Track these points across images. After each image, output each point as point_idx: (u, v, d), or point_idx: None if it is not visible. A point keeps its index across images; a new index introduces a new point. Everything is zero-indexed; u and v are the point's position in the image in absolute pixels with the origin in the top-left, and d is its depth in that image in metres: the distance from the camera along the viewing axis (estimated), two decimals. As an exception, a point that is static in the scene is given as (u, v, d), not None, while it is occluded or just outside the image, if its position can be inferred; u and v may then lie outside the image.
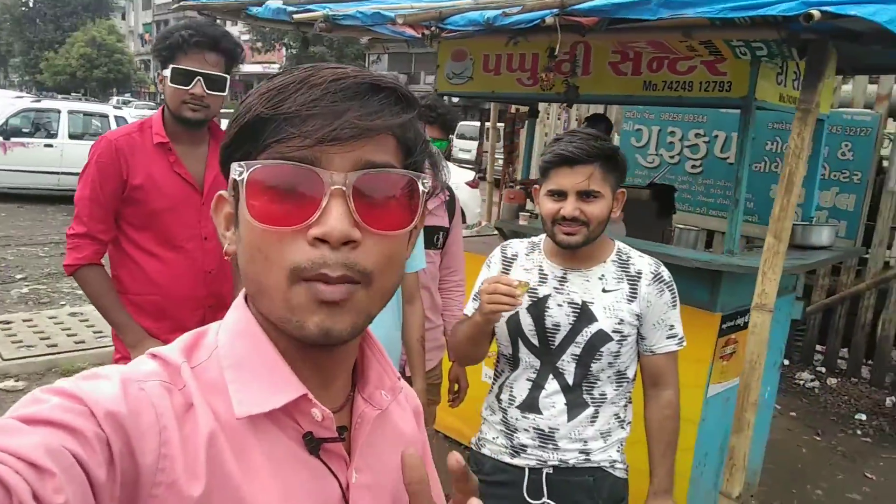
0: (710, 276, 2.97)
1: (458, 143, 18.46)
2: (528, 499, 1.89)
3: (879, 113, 5.49)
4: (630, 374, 1.93)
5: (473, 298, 2.01)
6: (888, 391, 5.54)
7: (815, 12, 2.06)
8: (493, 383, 2.04)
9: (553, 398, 1.87)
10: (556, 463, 1.87)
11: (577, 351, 1.85)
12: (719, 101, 3.15)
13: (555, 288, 1.89)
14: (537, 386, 1.89)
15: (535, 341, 1.90)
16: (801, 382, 5.65)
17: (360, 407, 0.77)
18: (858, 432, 4.86)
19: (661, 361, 1.90)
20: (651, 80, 3.28)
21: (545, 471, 1.88)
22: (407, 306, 2.32)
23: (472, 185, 9.93)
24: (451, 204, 2.83)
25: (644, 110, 6.29)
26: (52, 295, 6.40)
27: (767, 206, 3.81)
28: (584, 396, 1.87)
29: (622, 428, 1.93)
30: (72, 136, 11.89)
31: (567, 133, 1.90)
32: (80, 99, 18.52)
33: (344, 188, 0.64)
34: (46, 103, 12.69)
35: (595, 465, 1.87)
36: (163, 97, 2.25)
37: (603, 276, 1.88)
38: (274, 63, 38.22)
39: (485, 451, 2.00)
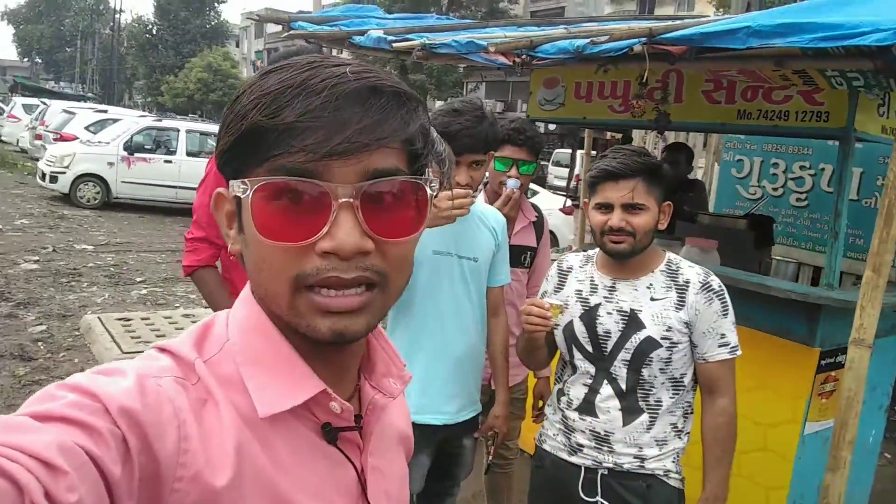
0: (809, 310, 2.90)
1: (553, 170, 18.47)
2: (582, 496, 1.98)
3: None
4: (687, 382, 1.97)
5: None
6: None
7: (910, 42, 2.04)
8: (555, 385, 2.16)
9: (608, 402, 1.96)
10: (611, 465, 1.94)
11: (628, 357, 1.93)
12: (816, 131, 3.10)
13: (605, 297, 1.99)
14: (593, 390, 1.99)
15: (588, 348, 2.00)
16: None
17: (369, 394, 0.78)
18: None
19: (714, 369, 1.95)
20: (745, 108, 3.27)
21: (600, 471, 1.96)
22: (492, 319, 2.39)
23: (566, 211, 9.94)
24: (538, 224, 2.92)
25: (746, 140, 6.16)
26: (167, 297, 6.90)
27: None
28: (640, 403, 1.94)
29: (679, 438, 1.97)
30: (189, 154, 12.77)
31: (612, 150, 2.00)
32: (196, 120, 19.76)
33: (352, 200, 0.64)
34: (167, 123, 13.69)
35: (649, 472, 1.93)
36: None
37: (651, 285, 1.96)
38: None
39: (545, 446, 2.11)
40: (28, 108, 19.88)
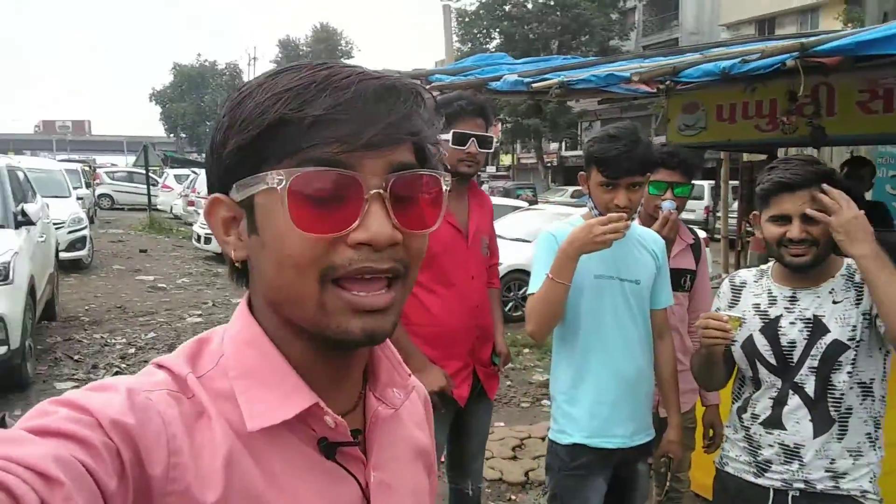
0: None
1: (689, 203, 17.92)
2: None
3: None
4: (876, 390, 1.90)
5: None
6: None
7: None
8: (734, 402, 2.10)
9: (797, 413, 1.90)
10: (802, 486, 1.88)
11: (815, 364, 1.88)
12: None
13: (785, 308, 1.95)
14: (779, 402, 1.93)
15: (772, 361, 1.95)
16: None
17: (372, 406, 0.76)
18: None
19: None
20: (906, 116, 3.15)
21: (791, 493, 1.89)
22: (657, 341, 2.38)
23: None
24: (696, 247, 2.91)
25: (896, 151, 5.83)
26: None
27: None
28: (830, 412, 1.87)
29: (874, 450, 1.89)
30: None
31: (781, 161, 1.97)
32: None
33: (382, 192, 0.64)
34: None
35: (844, 493, 1.85)
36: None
37: (833, 289, 1.91)
38: (492, 138, 40.08)
39: (728, 469, 2.05)
40: (179, 178, 21.80)
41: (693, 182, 2.79)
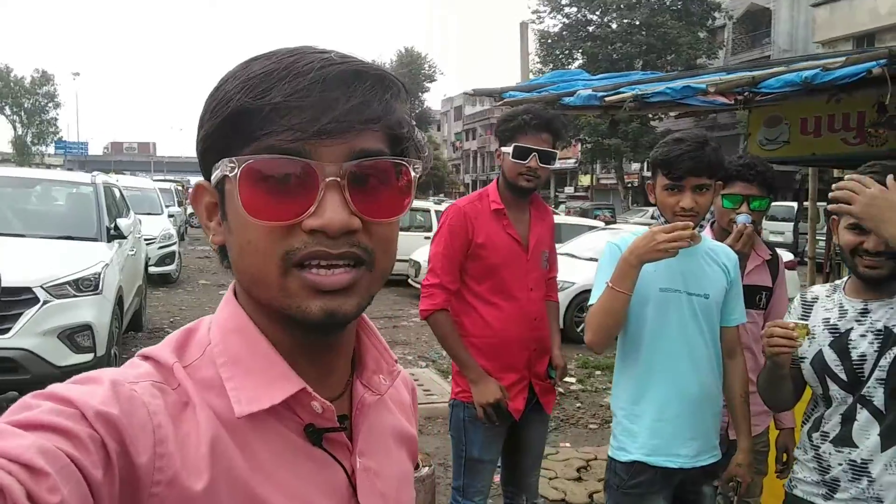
0: None
1: (767, 224, 17.24)
2: None
3: None
4: None
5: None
6: None
7: None
8: (805, 423, 2.01)
9: (866, 428, 1.81)
10: None
11: (883, 375, 1.79)
12: None
13: (856, 321, 1.87)
14: (848, 418, 1.85)
15: (843, 376, 1.86)
16: None
17: (359, 393, 0.76)
18: None
19: None
20: None
21: None
22: (728, 360, 2.29)
23: (789, 265, 9.32)
24: (773, 264, 2.78)
25: None
26: (388, 360, 7.33)
27: None
28: None
29: None
30: (403, 229, 13.63)
31: (864, 167, 1.87)
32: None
33: (339, 179, 0.64)
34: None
35: None
36: (498, 169, 2.66)
37: None
38: (570, 158, 39.83)
39: (797, 492, 1.97)
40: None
41: (772, 196, 2.66)
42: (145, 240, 9.12)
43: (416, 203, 15.79)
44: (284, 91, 0.63)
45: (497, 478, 2.93)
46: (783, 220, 17.33)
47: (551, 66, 31.31)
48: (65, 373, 4.62)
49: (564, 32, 32.46)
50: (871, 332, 1.83)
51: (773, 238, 17.11)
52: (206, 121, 0.68)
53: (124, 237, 6.50)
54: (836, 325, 1.90)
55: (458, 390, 2.69)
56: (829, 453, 1.87)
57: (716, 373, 2.26)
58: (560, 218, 15.10)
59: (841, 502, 1.83)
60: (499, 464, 2.83)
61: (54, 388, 0.60)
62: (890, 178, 1.69)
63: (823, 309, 1.97)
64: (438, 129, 74.43)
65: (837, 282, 2.03)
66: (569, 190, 43.30)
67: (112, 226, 6.20)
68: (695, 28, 30.86)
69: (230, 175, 0.65)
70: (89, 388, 0.60)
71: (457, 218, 2.65)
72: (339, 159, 0.64)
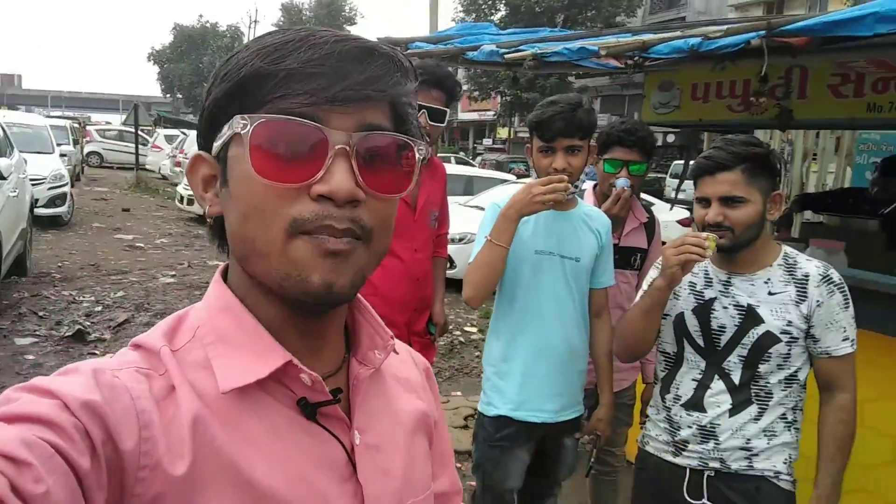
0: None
1: (671, 182, 17.88)
2: (688, 498, 1.91)
3: None
4: (801, 377, 1.89)
5: (642, 292, 2.06)
6: None
7: None
8: (658, 384, 2.08)
9: (718, 397, 1.89)
10: (718, 466, 1.88)
11: (744, 352, 1.87)
12: (958, 121, 2.87)
13: (720, 291, 1.93)
14: (703, 385, 1.92)
15: (700, 342, 1.94)
16: None
17: (355, 369, 0.76)
18: None
19: (838, 364, 1.85)
20: (876, 101, 3.07)
21: (706, 473, 1.89)
22: (595, 320, 2.37)
23: (684, 223, 9.76)
24: (650, 226, 2.86)
25: (882, 141, 5.78)
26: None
27: None
28: (752, 396, 1.87)
29: (789, 431, 1.88)
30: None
31: (716, 141, 1.93)
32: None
33: (348, 148, 0.64)
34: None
35: (759, 473, 1.85)
36: None
37: (769, 279, 1.88)
38: (489, 111, 39.81)
39: (648, 448, 2.05)
40: (169, 139, 21.50)
41: (651, 161, 2.72)
42: (32, 180, 8.56)
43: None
44: (301, 59, 0.64)
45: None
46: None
47: (474, 16, 30.94)
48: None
49: (487, -18, 32.01)
50: (733, 305, 1.90)
51: (682, 196, 17.78)
52: (215, 86, 0.68)
53: (3, 178, 6.07)
54: (702, 292, 1.96)
55: None
56: (680, 416, 1.95)
57: (583, 333, 2.35)
58: (473, 171, 15.15)
59: (687, 459, 1.93)
60: None
61: (36, 381, 0.59)
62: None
63: (690, 273, 2.01)
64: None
65: None
66: (487, 142, 43.33)
67: (-11, 165, 5.77)
68: (615, -16, 31.03)
69: (242, 133, 0.64)
70: (70, 378, 0.60)
71: None
72: (349, 129, 0.65)
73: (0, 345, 5.24)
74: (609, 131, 2.67)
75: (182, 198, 13.01)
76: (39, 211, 9.31)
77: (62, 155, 12.46)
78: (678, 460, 1.95)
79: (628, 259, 2.78)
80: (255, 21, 59.28)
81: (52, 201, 10.33)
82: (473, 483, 2.60)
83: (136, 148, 19.04)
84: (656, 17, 34.33)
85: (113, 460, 0.57)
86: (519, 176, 16.01)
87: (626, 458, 3.01)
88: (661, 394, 2.05)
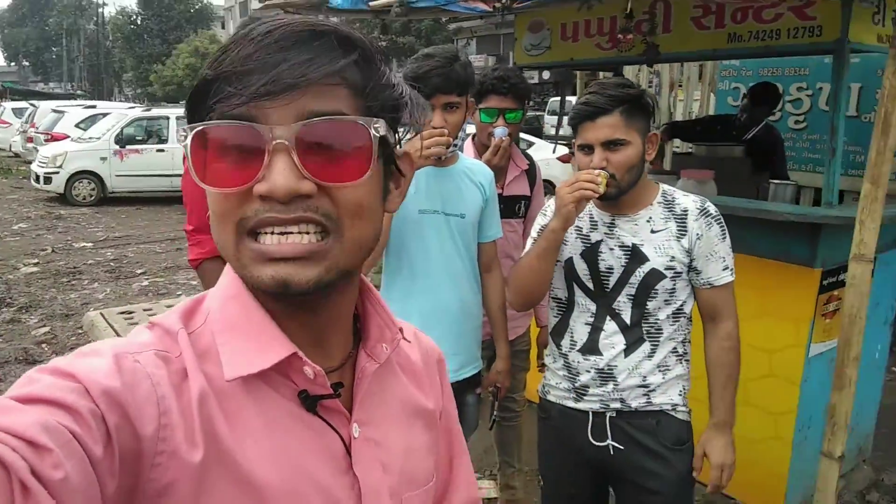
0: (809, 230, 2.84)
1: (549, 119, 18.23)
2: (593, 441, 1.94)
3: None
4: (687, 310, 1.94)
5: (532, 242, 2.04)
6: None
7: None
8: (550, 332, 2.09)
9: (612, 339, 1.91)
10: (619, 406, 1.91)
11: (632, 291, 1.89)
12: (809, 47, 2.98)
13: (605, 233, 1.94)
14: (596, 328, 1.94)
15: (589, 285, 1.95)
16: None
17: (361, 362, 0.76)
18: None
19: (720, 294, 1.91)
20: (736, 31, 3.14)
21: (608, 414, 1.93)
22: (485, 275, 2.35)
23: (564, 159, 9.91)
24: (531, 173, 2.84)
25: (741, 67, 6.00)
26: (169, 286, 6.88)
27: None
28: (642, 334, 1.90)
29: (680, 364, 1.94)
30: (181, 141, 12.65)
31: (590, 87, 1.92)
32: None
33: (286, 142, 0.62)
34: (156, 111, 13.51)
35: (657, 408, 1.90)
36: None
37: (650, 218, 1.91)
38: None
39: (550, 397, 2.06)
40: (18, 112, 19.66)
41: (525, 107, 2.68)
42: None
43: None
44: (236, 58, 0.63)
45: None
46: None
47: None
48: None
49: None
50: (619, 246, 1.91)
51: (553, 131, 18.16)
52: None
53: None
54: (588, 235, 1.96)
55: None
56: (578, 361, 1.96)
57: (475, 289, 2.31)
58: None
59: (589, 403, 1.95)
60: None
61: (57, 362, 0.59)
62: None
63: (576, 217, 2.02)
64: (223, 28, 68.97)
65: None
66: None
67: None
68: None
69: (182, 144, 0.65)
70: (92, 360, 0.60)
71: None
72: (287, 121, 0.63)
73: None
74: (482, 80, 2.60)
75: (38, 176, 12.01)
76: None
77: None
78: (580, 405, 1.96)
79: (513, 208, 2.76)
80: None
81: None
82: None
83: (-21, 125, 17.30)
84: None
85: (129, 447, 0.57)
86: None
87: (526, 400, 3.05)
88: (555, 341, 2.05)
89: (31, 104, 18.20)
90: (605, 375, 1.92)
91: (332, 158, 0.64)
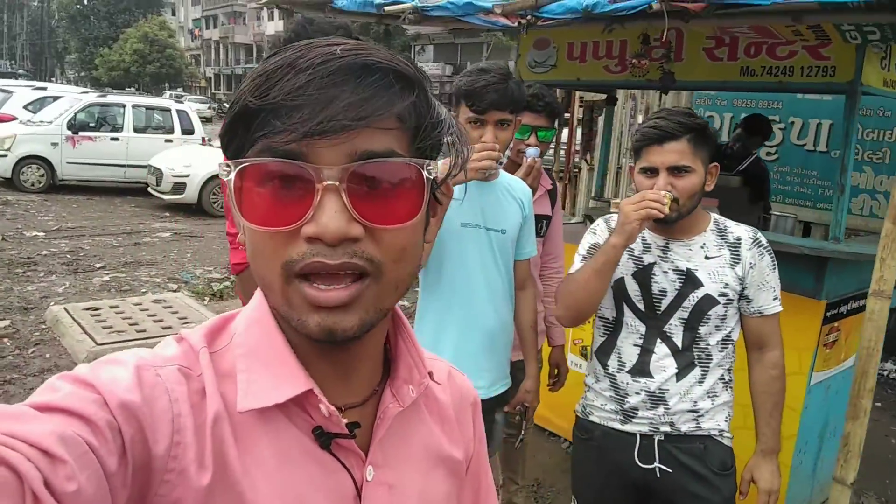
0: (816, 263, 2.94)
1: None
2: (639, 463, 1.95)
3: None
4: (734, 338, 1.98)
5: (581, 259, 2.06)
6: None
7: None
8: (594, 352, 2.10)
9: (663, 362, 1.93)
10: (668, 429, 1.93)
11: (685, 315, 1.92)
12: (823, 86, 3.10)
13: (659, 256, 1.96)
14: (646, 350, 1.96)
15: (640, 306, 1.97)
16: (885, 373, 5.52)
17: (386, 401, 0.73)
18: (948, 425, 4.73)
19: (768, 323, 1.96)
20: (749, 65, 3.23)
21: (657, 437, 1.94)
22: (519, 293, 2.33)
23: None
24: (553, 192, 2.86)
25: (717, 97, 6.17)
26: (132, 283, 6.61)
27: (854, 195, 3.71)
28: (693, 359, 1.93)
29: (727, 391, 1.97)
30: (136, 130, 12.26)
31: (655, 113, 1.96)
32: (133, 94, 18.98)
33: (337, 183, 0.60)
34: (112, 98, 13.01)
35: (705, 433, 1.93)
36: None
37: (704, 244, 1.94)
38: None
39: (593, 418, 2.06)
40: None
41: (556, 126, 2.68)
42: None
43: (155, 102, 14.20)
44: (284, 89, 0.59)
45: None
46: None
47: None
48: None
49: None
50: (673, 269, 1.93)
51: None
52: (225, 116, 0.66)
53: None
54: (641, 257, 1.97)
55: None
56: (627, 383, 1.97)
57: (510, 306, 2.30)
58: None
59: (637, 425, 1.96)
60: None
61: (80, 370, 0.59)
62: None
63: None
64: (173, 14, 67.23)
65: None
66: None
67: None
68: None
69: (226, 179, 0.62)
70: (114, 371, 0.59)
71: None
72: (339, 161, 0.60)
73: None
74: None
75: (-18, 159, 11.39)
76: None
77: None
78: (627, 427, 1.97)
79: (536, 226, 2.75)
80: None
81: None
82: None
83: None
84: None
85: (141, 460, 0.57)
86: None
87: (533, 421, 3.04)
88: (600, 361, 2.05)
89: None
90: (657, 399, 1.93)
91: (383, 200, 0.62)
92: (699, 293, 1.90)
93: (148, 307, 5.62)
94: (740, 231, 1.96)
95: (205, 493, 0.60)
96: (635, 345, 1.97)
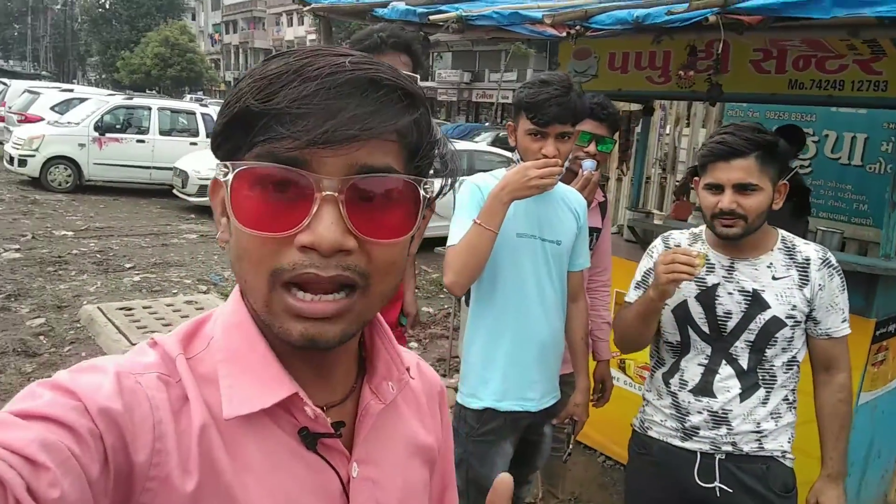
0: (866, 281, 2.90)
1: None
2: (699, 482, 1.92)
3: None
4: (800, 359, 1.95)
5: (636, 286, 2.07)
6: None
7: None
8: (656, 369, 2.08)
9: (727, 382, 1.91)
10: (730, 449, 1.90)
11: (751, 337, 1.88)
12: (874, 100, 3.06)
13: (724, 277, 1.92)
14: (710, 370, 1.93)
15: (705, 329, 1.94)
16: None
17: (366, 399, 0.74)
18: None
19: (837, 345, 1.92)
20: (797, 78, 3.21)
21: (718, 456, 1.92)
22: (571, 304, 2.32)
23: (678, 215, 10.15)
24: (604, 205, 2.84)
25: (748, 108, 6.14)
26: (162, 283, 6.66)
27: (881, 208, 3.67)
28: (758, 380, 1.90)
29: (790, 412, 1.94)
30: (162, 132, 12.38)
31: (723, 128, 1.93)
32: (155, 96, 19.17)
33: (336, 194, 0.60)
34: (138, 101, 13.16)
35: (768, 454, 1.90)
36: None
37: (771, 264, 1.90)
38: (415, 76, 38.71)
39: (652, 433, 2.04)
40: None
41: (615, 139, 2.68)
42: None
43: (181, 105, 14.33)
44: (290, 96, 0.59)
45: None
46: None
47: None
48: None
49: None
50: (738, 290, 1.90)
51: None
52: (220, 116, 0.64)
53: None
54: (704, 278, 1.93)
55: None
56: (689, 402, 1.95)
57: (562, 317, 2.29)
58: (474, 145, 14.70)
59: (698, 443, 1.93)
60: None
61: (60, 377, 0.59)
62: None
63: None
64: (193, 19, 67.88)
65: (695, 230, 2.06)
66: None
67: None
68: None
69: (222, 180, 0.62)
70: (94, 378, 0.59)
71: None
72: (339, 172, 0.60)
73: None
74: None
75: (11, 158, 11.56)
76: None
77: None
78: (687, 445, 1.95)
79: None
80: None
81: None
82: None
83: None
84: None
85: (123, 468, 0.57)
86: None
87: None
88: (664, 378, 2.03)
89: (3, 83, 17.52)
90: (719, 419, 1.91)
91: (379, 215, 0.63)
92: (766, 315, 1.86)
93: (180, 308, 5.66)
94: (809, 251, 1.91)
95: (190, 500, 0.60)
96: (700, 364, 1.95)
